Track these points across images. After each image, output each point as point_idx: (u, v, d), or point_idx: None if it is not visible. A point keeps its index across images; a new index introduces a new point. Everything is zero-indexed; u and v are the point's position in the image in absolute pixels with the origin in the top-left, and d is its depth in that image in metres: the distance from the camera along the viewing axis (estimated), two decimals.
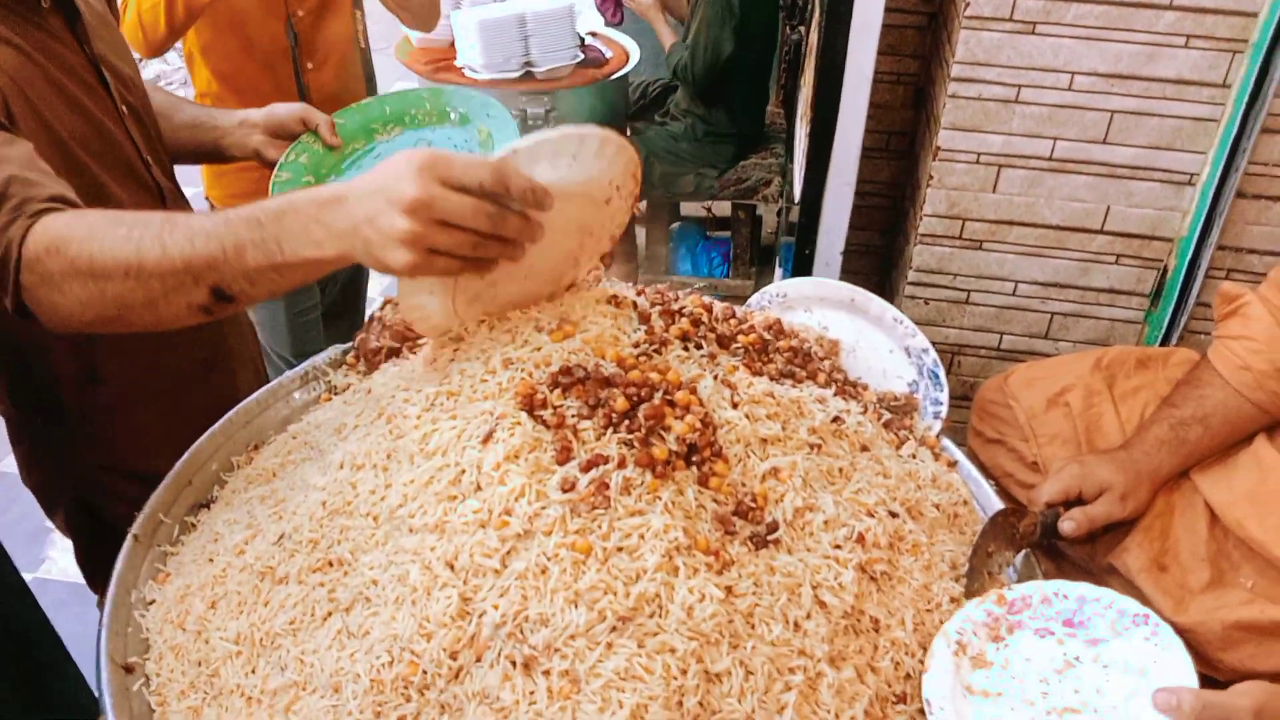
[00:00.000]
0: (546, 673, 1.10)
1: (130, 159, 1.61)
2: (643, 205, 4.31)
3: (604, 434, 1.24)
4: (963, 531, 1.48)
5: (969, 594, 1.36)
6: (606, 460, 1.21)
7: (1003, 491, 1.70)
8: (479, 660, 1.12)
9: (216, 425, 1.59)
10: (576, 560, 1.14)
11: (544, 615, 1.11)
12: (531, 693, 1.09)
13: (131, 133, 1.61)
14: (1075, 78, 2.08)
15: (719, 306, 1.58)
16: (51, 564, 3.12)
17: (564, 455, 1.22)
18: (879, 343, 1.79)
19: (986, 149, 2.19)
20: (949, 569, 1.39)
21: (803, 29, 3.83)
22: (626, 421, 1.25)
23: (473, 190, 1.07)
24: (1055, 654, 1.26)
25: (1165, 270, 2.28)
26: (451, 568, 1.16)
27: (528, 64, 3.64)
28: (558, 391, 1.28)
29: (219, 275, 1.14)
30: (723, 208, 4.41)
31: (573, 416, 1.26)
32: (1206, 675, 1.28)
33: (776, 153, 4.05)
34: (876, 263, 3.02)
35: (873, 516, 1.34)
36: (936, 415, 1.68)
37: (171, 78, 6.23)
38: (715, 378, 1.39)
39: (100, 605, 1.35)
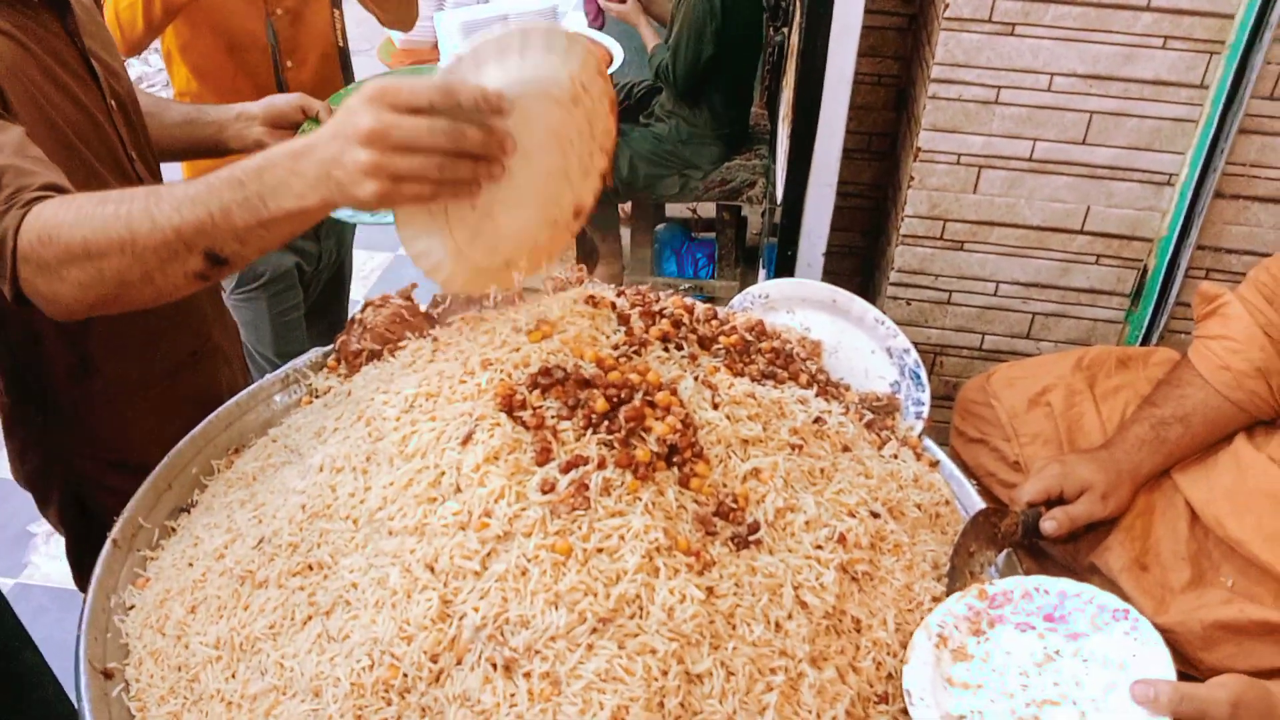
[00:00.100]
0: (527, 675, 1.10)
1: (116, 153, 1.61)
2: (627, 207, 4.31)
3: (584, 435, 1.24)
4: (945, 531, 1.49)
5: (950, 594, 1.36)
6: (586, 461, 1.21)
7: (985, 491, 1.70)
8: (460, 663, 1.12)
9: (197, 429, 1.58)
10: (557, 562, 1.14)
11: (524, 617, 1.11)
12: (512, 695, 1.09)
13: (118, 127, 1.62)
14: (1054, 79, 2.09)
15: (700, 307, 1.58)
16: (34, 569, 3.10)
17: (544, 456, 1.22)
18: (861, 343, 1.79)
19: (967, 150, 2.19)
20: (931, 569, 1.39)
21: (786, 30, 3.84)
22: (606, 422, 1.25)
23: (424, 109, 1.06)
24: (1036, 648, 1.27)
25: (1145, 270, 2.29)
26: (431, 570, 1.16)
27: None
28: (537, 392, 1.28)
29: (210, 239, 1.14)
30: (708, 209, 4.41)
31: (552, 417, 1.26)
32: (1187, 674, 1.29)
33: (761, 154, 4.06)
34: (859, 264, 3.02)
35: (854, 517, 1.34)
36: (918, 415, 1.69)
37: (154, 79, 6.21)
38: (696, 379, 1.39)
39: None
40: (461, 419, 1.26)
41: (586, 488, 1.18)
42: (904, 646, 1.27)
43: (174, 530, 1.49)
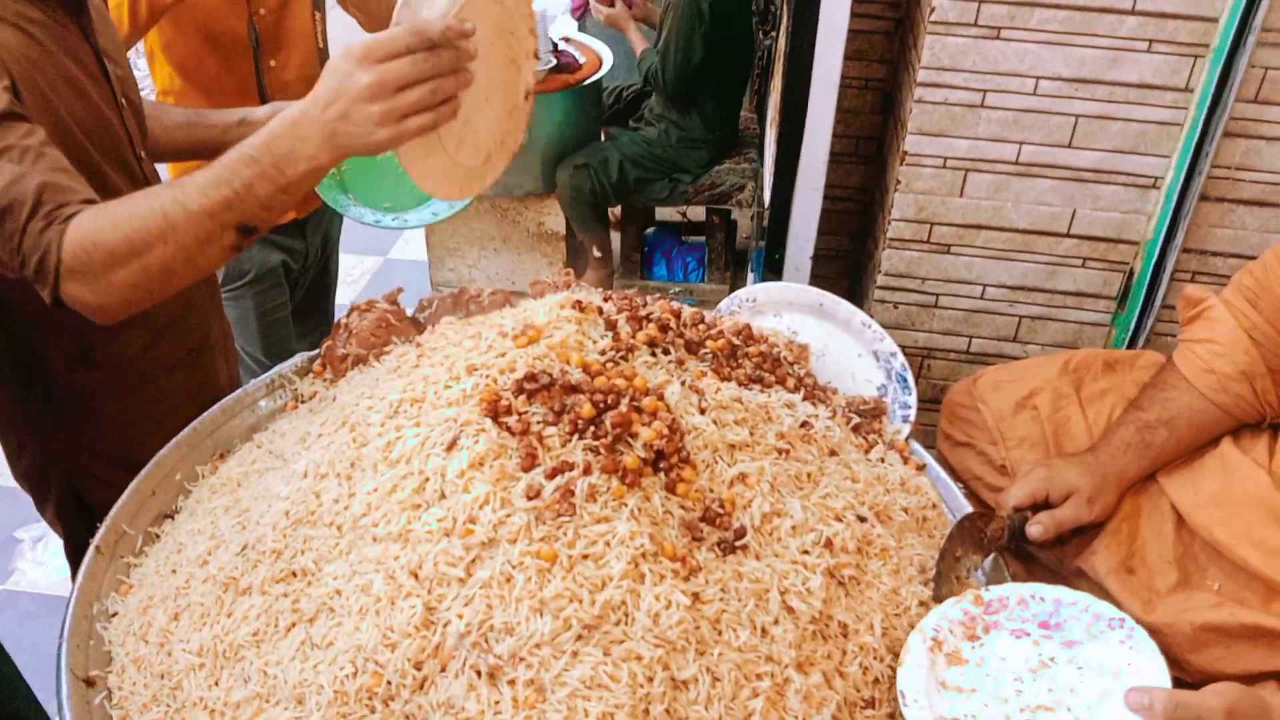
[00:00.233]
0: (511, 682, 1.09)
1: (124, 152, 1.62)
2: (617, 210, 4.31)
3: (569, 440, 1.24)
4: (931, 535, 1.49)
5: (937, 598, 1.36)
6: (572, 467, 1.21)
7: (971, 495, 1.70)
8: (444, 670, 1.11)
9: (181, 434, 1.57)
10: (541, 568, 1.13)
11: (509, 624, 1.11)
12: (497, 702, 1.09)
13: (128, 126, 1.63)
14: (1040, 82, 2.09)
15: (687, 312, 1.58)
16: (20, 575, 3.08)
17: (529, 462, 1.21)
18: (848, 347, 1.79)
19: (953, 153, 2.20)
20: (918, 573, 1.39)
21: (774, 35, 3.84)
22: (593, 428, 1.24)
23: (402, 53, 1.19)
24: (1030, 654, 1.27)
25: (1131, 273, 2.29)
26: (415, 577, 1.15)
27: None
28: (522, 398, 1.27)
29: (239, 214, 1.25)
30: (697, 212, 4.41)
31: (538, 423, 1.25)
32: (1175, 676, 1.29)
33: (750, 158, 4.06)
34: (846, 267, 3.02)
35: (841, 521, 1.34)
36: (905, 419, 1.69)
37: (142, 84, 6.19)
38: (683, 383, 1.38)
39: None
40: (446, 425, 1.25)
41: (572, 494, 1.18)
42: (891, 651, 1.27)
43: (158, 537, 1.48)
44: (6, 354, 1.67)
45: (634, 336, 1.44)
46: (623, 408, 1.25)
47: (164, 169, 2.23)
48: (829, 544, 1.30)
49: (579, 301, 1.46)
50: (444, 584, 1.14)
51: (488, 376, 1.31)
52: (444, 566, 1.15)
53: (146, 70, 2.42)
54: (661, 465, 1.25)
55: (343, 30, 2.66)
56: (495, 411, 1.26)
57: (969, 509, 1.51)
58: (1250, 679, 1.41)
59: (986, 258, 2.31)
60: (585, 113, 3.98)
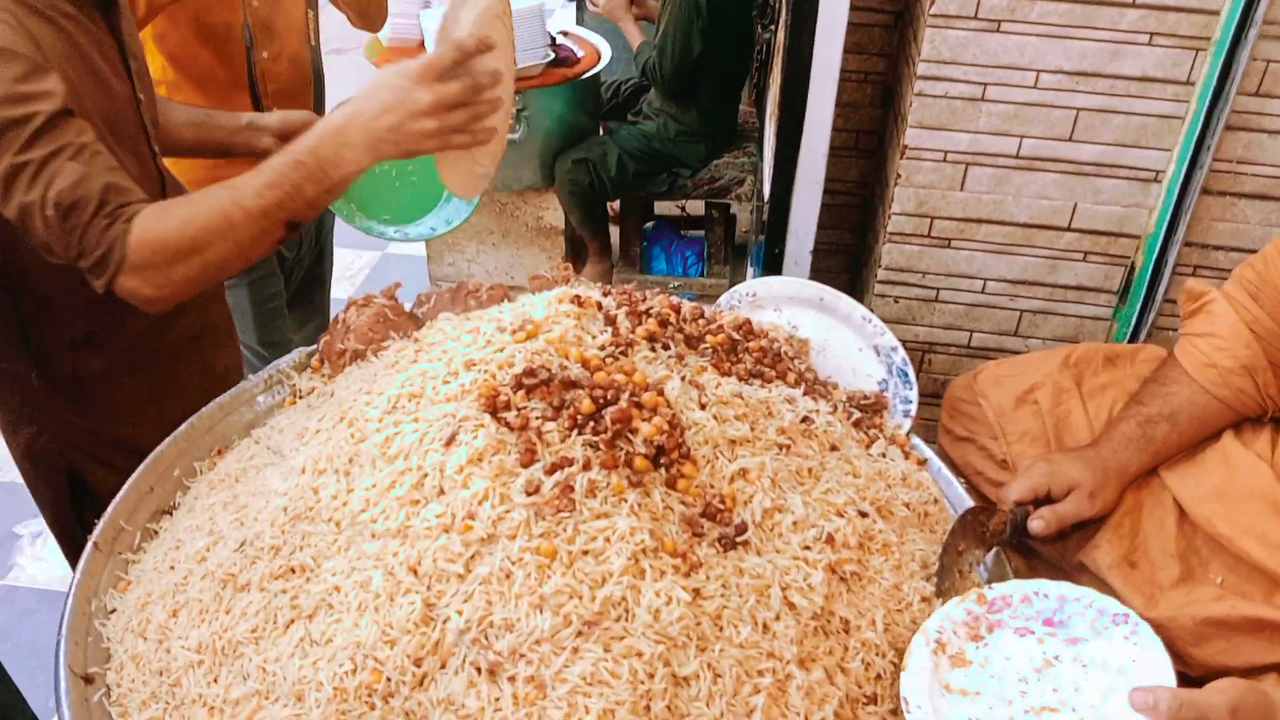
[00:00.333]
0: (512, 679, 1.09)
1: (139, 146, 1.65)
2: (616, 205, 4.30)
3: (569, 436, 1.24)
4: (933, 530, 1.48)
5: (939, 593, 1.35)
6: (571, 463, 1.20)
7: (973, 489, 1.70)
8: (443, 667, 1.11)
9: (179, 430, 1.57)
10: (541, 564, 1.13)
11: (509, 620, 1.11)
12: (497, 699, 1.08)
13: (145, 120, 1.66)
14: (1041, 75, 2.08)
15: (687, 306, 1.57)
16: (20, 571, 3.08)
17: (528, 458, 1.21)
18: (848, 341, 1.79)
19: (954, 147, 2.19)
20: (919, 568, 1.39)
21: (773, 28, 3.83)
22: (592, 423, 1.24)
23: (449, 68, 1.37)
24: (1035, 653, 1.26)
25: (1133, 267, 2.28)
26: (415, 573, 1.15)
27: None
28: (521, 393, 1.27)
29: (289, 212, 1.39)
30: (696, 206, 4.40)
31: (537, 418, 1.25)
32: (1179, 672, 1.28)
33: (749, 151, 4.05)
34: (846, 261, 3.01)
35: (842, 516, 1.34)
36: (906, 414, 1.68)
37: None
38: (683, 379, 1.38)
39: None
40: (445, 420, 1.25)
41: (572, 489, 1.18)
42: (893, 647, 1.27)
43: (156, 533, 1.47)
44: (10, 330, 1.67)
45: (633, 331, 1.43)
46: (622, 403, 1.25)
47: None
48: (830, 539, 1.29)
49: (578, 296, 1.45)
50: (443, 580, 1.14)
51: (486, 372, 1.30)
52: (443, 563, 1.14)
53: None
54: (662, 461, 1.25)
55: (340, 25, 2.66)
56: (494, 407, 1.25)
57: (970, 504, 1.50)
58: (1252, 672, 1.41)
59: (987, 252, 2.31)
60: (584, 107, 3.97)
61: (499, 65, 1.45)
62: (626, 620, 1.12)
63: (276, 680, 1.16)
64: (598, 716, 1.06)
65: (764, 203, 3.05)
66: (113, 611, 1.36)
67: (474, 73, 1.40)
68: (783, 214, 2.13)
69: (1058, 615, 1.29)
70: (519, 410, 1.25)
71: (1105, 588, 1.49)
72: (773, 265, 2.23)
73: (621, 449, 1.23)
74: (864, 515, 1.37)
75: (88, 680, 1.26)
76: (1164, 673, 1.18)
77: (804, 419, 1.46)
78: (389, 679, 1.10)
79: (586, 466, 1.20)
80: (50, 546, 3.09)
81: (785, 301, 1.82)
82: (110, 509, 1.45)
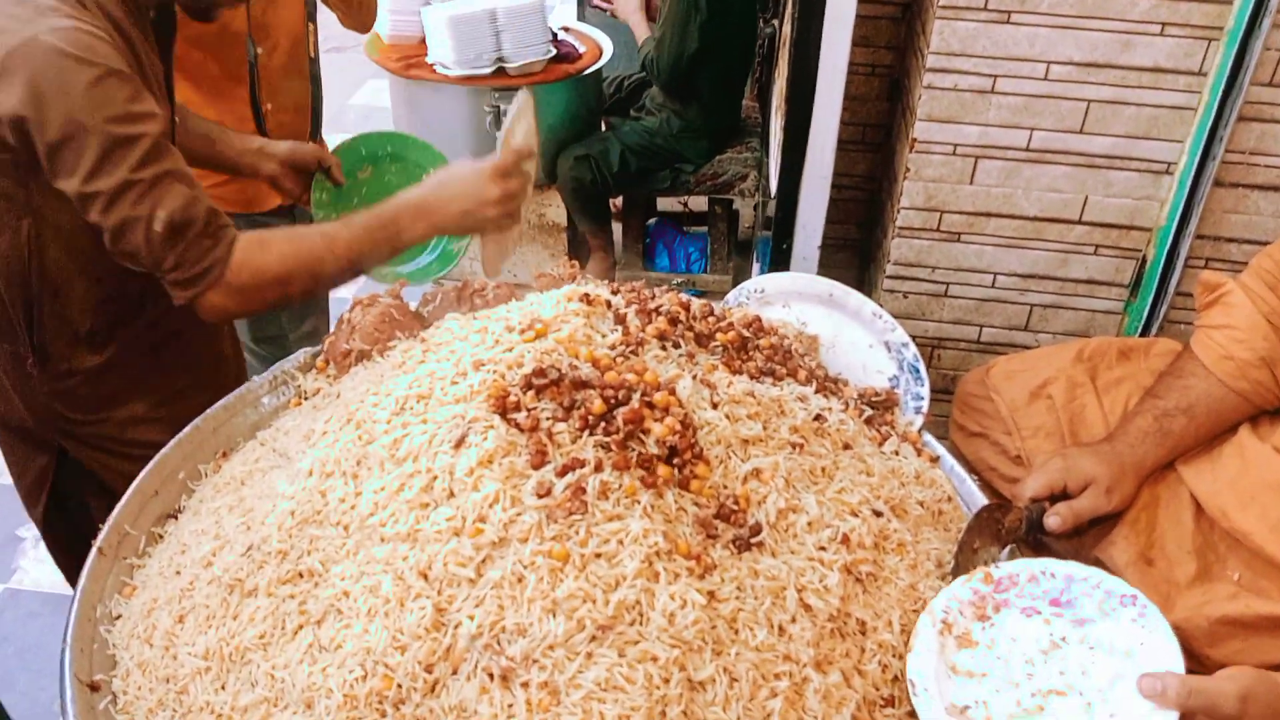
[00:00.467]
0: (525, 685, 1.07)
1: None
2: (618, 201, 4.28)
3: (580, 437, 1.22)
4: (947, 528, 1.47)
5: None
6: (583, 464, 1.18)
7: (986, 486, 1.68)
8: (455, 673, 1.09)
9: (184, 432, 1.55)
10: (554, 568, 1.11)
11: (521, 625, 1.09)
12: (510, 705, 1.06)
13: (174, 139, 1.68)
14: (1051, 67, 2.06)
15: (696, 304, 1.55)
16: (23, 574, 3.06)
17: (539, 459, 1.19)
18: (858, 338, 1.77)
19: (963, 140, 2.17)
20: (935, 567, 1.37)
21: (776, 22, 3.81)
22: (603, 424, 1.22)
23: (513, 170, 1.66)
24: (1041, 634, 1.25)
25: (1144, 260, 2.26)
26: (425, 578, 1.13)
27: (500, 60, 3.60)
28: (531, 393, 1.25)
29: (363, 264, 1.61)
30: (699, 203, 4.38)
31: (547, 419, 1.23)
32: (1194, 671, 1.27)
33: (752, 147, 4.03)
34: (854, 256, 2.99)
35: (856, 516, 1.32)
36: (918, 410, 1.66)
37: None
38: (694, 377, 1.36)
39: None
40: (454, 421, 1.23)
41: (584, 491, 1.16)
42: (910, 648, 1.25)
43: (161, 537, 1.46)
44: (19, 318, 1.67)
45: (643, 330, 1.41)
46: (634, 403, 1.23)
47: None
48: (845, 540, 1.27)
49: (586, 294, 1.44)
50: (454, 585, 1.12)
51: (495, 372, 1.29)
52: (454, 567, 1.12)
53: None
54: (674, 461, 1.23)
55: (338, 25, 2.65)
56: (504, 408, 1.23)
57: (984, 501, 1.49)
58: (1271, 671, 1.39)
59: (997, 246, 2.29)
60: (586, 103, 3.95)
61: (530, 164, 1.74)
62: (641, 624, 1.10)
63: (285, 687, 1.14)
64: None
65: (768, 198, 3.03)
66: (118, 617, 1.34)
67: (524, 172, 1.68)
68: (790, 209, 2.11)
69: (1065, 595, 1.28)
70: (529, 411, 1.23)
71: None
72: (780, 261, 2.21)
73: (634, 450, 1.21)
74: (878, 514, 1.35)
75: (94, 688, 1.25)
76: (1172, 657, 1.17)
77: (816, 417, 1.44)
78: (400, 685, 1.09)
79: (598, 468, 1.18)
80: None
81: (794, 297, 1.80)
82: (115, 513, 1.43)
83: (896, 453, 1.52)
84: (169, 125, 1.64)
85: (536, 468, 1.18)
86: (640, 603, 1.11)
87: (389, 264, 2.19)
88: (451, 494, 1.17)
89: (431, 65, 3.66)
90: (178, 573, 1.33)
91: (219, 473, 1.53)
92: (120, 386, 1.80)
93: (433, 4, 3.76)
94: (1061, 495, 1.52)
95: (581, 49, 3.90)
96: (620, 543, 1.14)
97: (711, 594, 1.15)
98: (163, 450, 1.52)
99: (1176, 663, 1.17)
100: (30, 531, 3.15)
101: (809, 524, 1.27)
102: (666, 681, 1.08)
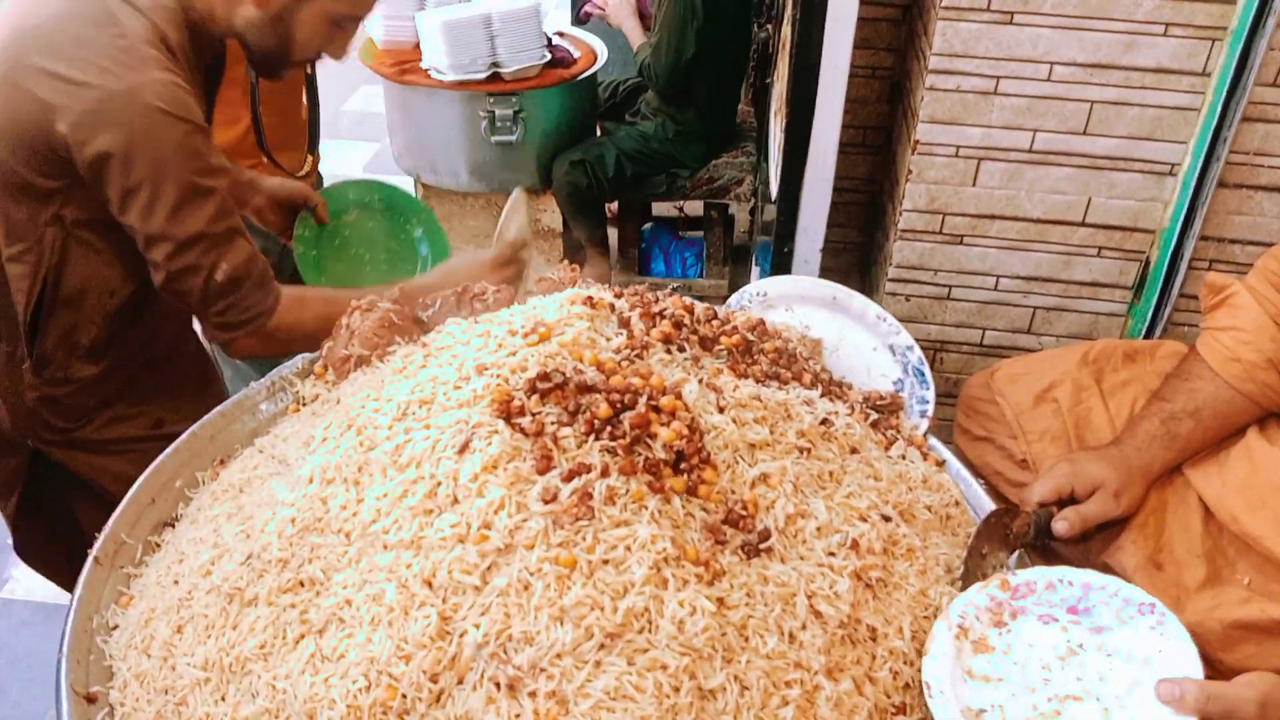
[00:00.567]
0: (532, 694, 1.05)
1: None
2: (614, 206, 4.27)
3: (586, 441, 1.20)
4: (955, 533, 1.45)
5: None
6: (589, 469, 1.16)
7: (991, 490, 1.66)
8: (461, 682, 1.07)
9: (180, 439, 1.53)
10: (561, 575, 1.09)
11: (528, 634, 1.07)
12: (517, 715, 1.04)
13: None
14: (1054, 68, 2.05)
15: (700, 307, 1.53)
16: (15, 584, 3.03)
17: (544, 465, 1.17)
18: (862, 341, 1.75)
19: (966, 142, 2.15)
20: (944, 572, 1.35)
21: (770, 26, 3.80)
22: (609, 428, 1.20)
23: (510, 260, 1.83)
24: (1059, 641, 1.24)
25: (1148, 262, 2.25)
26: (429, 585, 1.11)
27: (494, 65, 3.58)
28: (535, 398, 1.23)
29: None
30: (695, 207, 4.37)
31: (552, 424, 1.21)
32: (1209, 676, 1.25)
33: (748, 151, 4.02)
34: (855, 260, 2.98)
35: (865, 521, 1.30)
36: (923, 414, 1.65)
37: None
38: (700, 381, 1.34)
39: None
40: (457, 426, 1.21)
41: (590, 497, 1.14)
42: (921, 654, 1.23)
43: (158, 546, 1.43)
44: (26, 320, 1.68)
45: (648, 334, 1.39)
46: (640, 407, 1.21)
47: None
48: (855, 545, 1.26)
49: (590, 298, 1.42)
50: (459, 592, 1.10)
51: (499, 376, 1.26)
52: (459, 574, 1.10)
53: None
54: (682, 466, 1.21)
55: None
56: (508, 412, 1.21)
57: (991, 505, 1.47)
58: None
59: (1000, 248, 2.27)
60: (581, 107, 3.94)
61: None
62: (650, 632, 1.08)
63: (287, 698, 1.12)
64: None
65: (763, 202, 3.02)
66: (115, 628, 1.31)
67: (521, 259, 1.83)
68: (792, 212, 2.09)
69: (1082, 603, 1.26)
70: (534, 415, 1.21)
71: None
72: (782, 264, 2.20)
73: (640, 455, 1.19)
74: (887, 519, 1.34)
75: (90, 700, 1.22)
76: (1191, 664, 1.16)
77: (823, 421, 1.42)
78: (404, 695, 1.06)
79: (605, 473, 1.16)
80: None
81: (797, 301, 1.79)
82: (110, 522, 1.41)
83: (904, 457, 1.51)
84: None
85: (542, 473, 1.16)
86: (649, 610, 1.09)
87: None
88: (456, 500, 1.15)
89: (426, 70, 3.65)
90: (176, 582, 1.31)
91: (217, 480, 1.50)
92: (107, 397, 1.81)
93: (427, 9, 3.75)
94: (1069, 500, 1.51)
95: (576, 54, 3.89)
96: (628, 549, 1.12)
97: (721, 601, 1.13)
98: (159, 458, 1.50)
99: (1195, 670, 1.15)
100: None
101: (818, 529, 1.25)
102: (677, 690, 1.06)
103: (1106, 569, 1.53)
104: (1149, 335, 2.29)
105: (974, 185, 2.20)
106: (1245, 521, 1.47)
